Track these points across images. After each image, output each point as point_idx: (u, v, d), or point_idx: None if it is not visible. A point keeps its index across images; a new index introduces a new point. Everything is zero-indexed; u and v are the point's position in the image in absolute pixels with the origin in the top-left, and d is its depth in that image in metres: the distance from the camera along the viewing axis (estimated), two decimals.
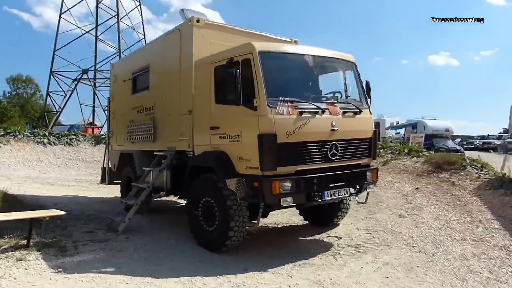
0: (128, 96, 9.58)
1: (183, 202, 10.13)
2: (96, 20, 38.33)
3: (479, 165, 9.28)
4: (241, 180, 5.83)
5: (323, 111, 5.94)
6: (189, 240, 6.63)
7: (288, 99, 5.71)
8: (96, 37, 38.31)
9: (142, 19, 40.67)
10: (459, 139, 34.12)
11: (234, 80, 5.63)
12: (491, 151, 32.82)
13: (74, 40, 38.71)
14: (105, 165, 11.07)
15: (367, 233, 7.02)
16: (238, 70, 5.62)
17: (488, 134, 44.25)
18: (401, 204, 8.38)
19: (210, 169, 6.28)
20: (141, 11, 40.52)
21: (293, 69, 6.26)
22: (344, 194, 6.17)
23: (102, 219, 8.13)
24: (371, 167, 6.69)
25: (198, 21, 6.98)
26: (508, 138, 31.10)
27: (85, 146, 18.39)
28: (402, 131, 33.73)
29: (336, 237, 6.96)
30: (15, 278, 4.85)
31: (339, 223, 7.66)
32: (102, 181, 11.35)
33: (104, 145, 14.81)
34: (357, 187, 6.37)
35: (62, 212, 6.03)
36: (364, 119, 6.57)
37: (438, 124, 29.83)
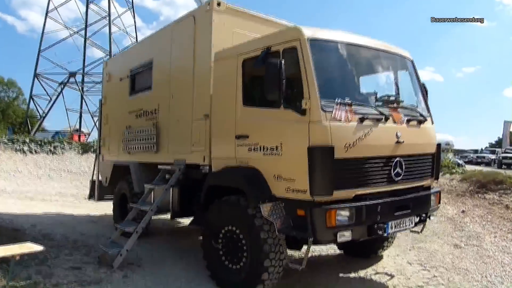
0: (124, 97, 8.12)
1: (185, 221, 8.69)
2: (86, 21, 36.62)
3: None
4: (279, 205, 4.45)
5: (386, 118, 4.61)
6: (205, 279, 5.20)
7: (346, 101, 4.36)
8: (85, 38, 36.58)
9: (134, 21, 39.19)
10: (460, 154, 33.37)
11: (273, 76, 4.25)
12: (483, 165, 31.93)
13: (61, 40, 37.08)
14: (94, 178, 9.54)
15: (423, 270, 5.66)
16: (279, 62, 4.25)
17: (481, 148, 43.82)
18: (450, 231, 7.06)
19: (236, 190, 4.88)
20: (134, 13, 39.03)
21: (348, 64, 4.90)
22: (409, 225, 4.81)
23: (91, 247, 6.63)
24: (435, 190, 5.36)
25: (218, 4, 5.62)
26: (502, 152, 30.61)
27: (71, 155, 16.70)
28: None
29: (387, 274, 5.57)
30: None
31: (382, 255, 6.29)
32: (91, 196, 9.78)
33: (93, 155, 13.32)
34: (423, 215, 5.02)
35: (39, 248, 4.52)
36: (428, 129, 5.25)
37: (439, 137, 28.82)
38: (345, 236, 4.20)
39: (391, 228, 4.50)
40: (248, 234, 4.62)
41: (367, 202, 4.30)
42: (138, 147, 7.30)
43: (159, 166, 6.42)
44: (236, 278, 4.74)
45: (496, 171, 9.78)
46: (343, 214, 4.14)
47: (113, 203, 8.47)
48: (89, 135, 36.51)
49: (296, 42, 4.36)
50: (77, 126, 38.52)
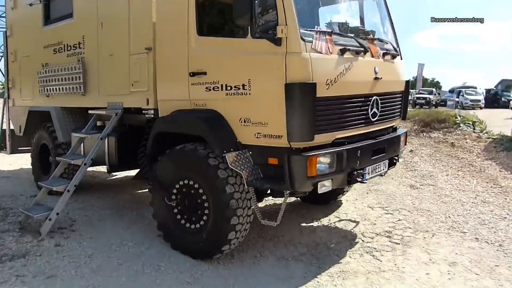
0: (37, 28, 6.64)
1: (120, 173, 7.76)
2: None
3: (470, 123, 8.21)
4: (246, 154, 3.81)
5: (365, 51, 4.03)
6: (156, 240, 4.52)
7: (325, 29, 3.69)
8: None
9: None
10: None
11: None
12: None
13: None
14: (4, 127, 8.04)
15: (386, 213, 5.46)
16: None
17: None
18: (402, 171, 6.98)
19: (192, 137, 4.12)
20: None
21: None
22: (383, 169, 4.44)
23: (8, 210, 5.55)
24: (402, 130, 5.03)
25: None
26: (416, 93, 31.67)
27: None
28: None
29: (351, 221, 5.29)
30: None
31: (341, 200, 6.00)
32: (1, 149, 8.30)
33: (1, 100, 11.41)
34: (395, 157, 4.68)
35: None
36: (399, 64, 4.79)
37: None
38: (325, 186, 3.70)
39: (368, 174, 4.09)
40: (210, 188, 3.94)
41: (348, 147, 3.80)
42: (59, 88, 6.07)
43: (90, 111, 5.36)
44: (196, 239, 4.09)
45: (438, 110, 9.92)
46: (324, 162, 3.61)
47: (31, 156, 7.21)
48: None
49: None
50: None
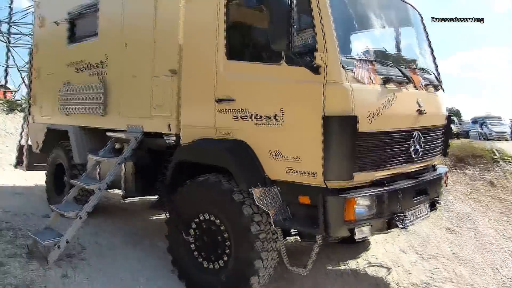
0: (61, 46, 6.53)
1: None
2: None
3: (510, 159, 7.69)
4: (274, 190, 3.46)
5: (408, 81, 3.68)
6: (170, 276, 4.16)
7: (367, 57, 3.37)
8: None
9: None
10: None
11: (281, 18, 3.11)
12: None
13: None
14: (23, 143, 7.90)
15: (422, 260, 4.97)
16: (285, 4, 3.09)
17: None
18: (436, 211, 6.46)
19: (216, 168, 3.79)
20: None
21: (364, 12, 3.85)
22: (425, 214, 4.01)
23: (18, 231, 5.27)
24: (443, 169, 4.61)
25: None
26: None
27: None
28: None
29: (383, 266, 4.83)
30: None
31: (369, 240, 5.54)
32: (18, 164, 8.12)
33: (22, 114, 11.42)
34: (436, 199, 4.25)
35: None
36: (441, 96, 4.42)
37: None
38: (363, 232, 3.31)
39: (410, 219, 3.66)
40: (232, 226, 3.58)
41: (389, 188, 3.41)
42: (79, 108, 5.88)
43: (109, 133, 5.11)
44: (213, 280, 3.71)
45: (472, 144, 9.42)
46: (363, 204, 3.22)
47: (46, 174, 7.00)
48: (15, 92, 32.90)
49: None
50: (2, 82, 34.50)
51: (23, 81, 31.61)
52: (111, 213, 6.57)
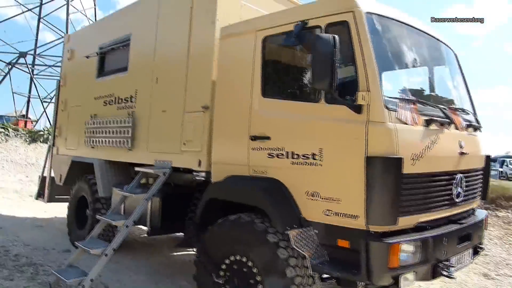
0: (90, 80, 6.62)
1: None
2: None
3: None
4: (310, 232, 3.31)
5: (450, 122, 3.58)
6: None
7: (409, 97, 3.29)
8: (40, 16, 33.29)
9: (95, 4, 36.14)
10: None
11: (324, 58, 3.06)
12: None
13: (13, 17, 33.49)
14: (45, 175, 7.91)
15: None
16: (331, 39, 3.05)
17: None
18: None
19: (248, 207, 3.68)
20: None
21: (405, 51, 3.80)
22: (468, 260, 3.81)
23: (39, 266, 5.16)
24: (483, 212, 4.41)
25: None
26: None
27: (17, 143, 14.54)
28: None
29: None
30: None
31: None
32: (39, 196, 8.11)
33: (43, 145, 11.52)
34: (478, 245, 4.04)
35: None
36: (480, 137, 4.29)
37: None
38: (408, 280, 3.12)
39: (455, 266, 3.47)
40: (266, 269, 3.42)
41: (434, 233, 3.25)
42: (106, 141, 5.87)
43: (137, 168, 5.04)
44: None
45: (503, 185, 9.13)
46: (407, 250, 3.05)
47: (68, 207, 6.94)
48: (36, 122, 33.55)
49: (348, 15, 3.21)
50: (24, 112, 35.26)
51: (45, 112, 32.31)
52: (130, 248, 6.44)
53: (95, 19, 35.23)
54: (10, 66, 32.13)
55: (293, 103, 3.57)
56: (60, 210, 8.81)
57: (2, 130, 14.51)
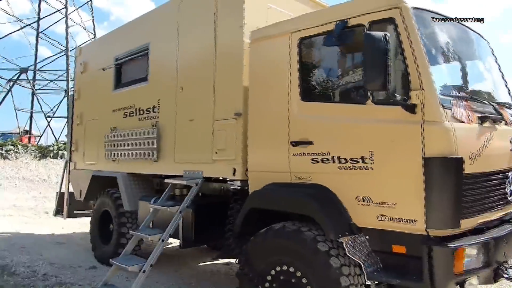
0: (106, 92, 6.51)
1: None
2: (39, 13, 33.31)
3: None
4: (362, 239, 3.19)
5: (500, 118, 3.45)
6: None
7: (462, 94, 3.17)
8: (38, 31, 33.30)
9: (92, 16, 36.13)
10: None
11: (366, 58, 2.95)
12: None
13: (11, 33, 33.52)
14: (63, 190, 7.77)
15: None
16: (382, 37, 2.92)
17: None
18: None
19: (292, 215, 3.55)
20: (91, 5, 36.01)
21: (452, 47, 3.67)
22: None
23: (71, 286, 5.02)
24: None
25: None
26: None
27: (27, 160, 14.41)
28: None
29: None
30: None
31: None
32: (58, 212, 7.95)
33: (53, 160, 11.39)
34: None
35: None
36: None
37: None
38: (473, 285, 2.97)
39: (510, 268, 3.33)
40: (318, 279, 3.26)
41: (495, 234, 3.11)
42: (128, 154, 5.75)
43: (167, 180, 4.89)
44: None
45: None
46: (471, 254, 2.92)
47: (90, 222, 6.80)
48: (40, 138, 33.52)
49: (394, 11, 3.09)
50: (27, 128, 35.22)
51: (49, 126, 32.26)
52: (158, 261, 6.27)
53: (94, 31, 35.32)
54: (11, 83, 32.06)
55: (336, 106, 3.46)
56: (77, 225, 8.70)
57: (12, 147, 14.38)
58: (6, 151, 14.21)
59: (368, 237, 3.23)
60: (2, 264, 5.82)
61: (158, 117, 5.37)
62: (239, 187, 4.20)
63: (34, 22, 33.22)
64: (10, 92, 32.22)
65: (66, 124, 29.65)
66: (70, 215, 7.59)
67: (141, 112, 5.69)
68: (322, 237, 3.31)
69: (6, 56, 36.19)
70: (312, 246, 3.27)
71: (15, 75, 32.02)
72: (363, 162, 3.17)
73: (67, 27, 30.71)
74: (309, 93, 3.63)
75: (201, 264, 6.31)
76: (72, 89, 29.44)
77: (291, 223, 3.52)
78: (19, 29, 33.54)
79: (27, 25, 33.02)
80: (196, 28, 4.88)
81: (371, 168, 3.12)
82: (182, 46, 5.07)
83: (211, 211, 4.74)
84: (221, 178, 4.53)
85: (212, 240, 4.82)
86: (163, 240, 4.24)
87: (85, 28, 34.88)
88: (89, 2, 35.12)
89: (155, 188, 6.04)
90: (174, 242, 7.02)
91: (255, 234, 3.69)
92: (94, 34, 35.14)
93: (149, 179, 5.98)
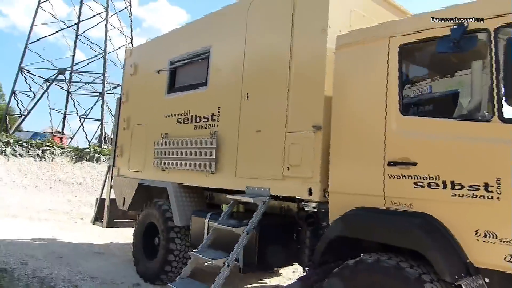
0: (158, 96, 6.17)
1: None
2: (79, 15, 33.88)
3: None
4: (480, 281, 2.67)
5: None
6: None
7: None
8: (77, 33, 33.85)
9: (131, 19, 36.45)
10: None
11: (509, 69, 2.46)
12: None
13: (51, 34, 34.01)
14: (104, 197, 7.45)
15: None
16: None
17: None
18: None
19: (383, 246, 3.06)
20: (130, 11, 36.40)
21: None
22: None
23: None
24: None
25: None
26: None
27: (63, 161, 14.28)
28: None
29: None
30: None
31: None
32: (97, 220, 7.59)
33: (89, 163, 11.18)
34: None
35: None
36: None
37: None
38: None
39: None
40: None
41: None
42: (181, 163, 5.36)
43: (229, 196, 4.46)
44: None
45: None
46: None
47: (134, 234, 6.41)
48: (71, 139, 33.83)
49: None
50: (59, 128, 35.66)
51: (82, 128, 32.60)
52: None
53: (131, 36, 35.72)
54: (48, 83, 32.60)
55: (448, 122, 2.95)
56: (114, 234, 8.39)
57: (49, 148, 14.28)
58: (43, 151, 14.10)
59: (487, 280, 2.71)
60: (41, 276, 5.48)
61: (217, 125, 4.98)
62: (315, 209, 3.73)
63: (74, 24, 33.83)
64: (46, 92, 32.68)
65: (100, 126, 30.02)
66: (109, 224, 7.24)
67: (198, 119, 5.31)
68: (427, 275, 2.80)
69: (47, 56, 36.92)
70: (418, 287, 2.76)
71: (52, 75, 32.56)
72: (486, 190, 2.65)
73: (106, 30, 31.04)
74: (412, 106, 3.15)
75: (249, 286, 5.83)
76: (107, 91, 30.05)
77: (387, 257, 3.02)
78: (59, 30, 34.24)
79: (68, 27, 33.67)
80: (269, 32, 4.48)
81: (498, 198, 2.60)
82: (249, 50, 4.68)
83: (276, 233, 4.27)
84: (292, 197, 4.05)
85: (276, 266, 4.34)
86: (228, 265, 3.78)
87: (123, 33, 35.24)
88: (129, 7, 35.50)
89: (207, 202, 5.65)
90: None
91: (341, 265, 3.21)
92: (132, 39, 35.49)
93: (201, 192, 5.59)
